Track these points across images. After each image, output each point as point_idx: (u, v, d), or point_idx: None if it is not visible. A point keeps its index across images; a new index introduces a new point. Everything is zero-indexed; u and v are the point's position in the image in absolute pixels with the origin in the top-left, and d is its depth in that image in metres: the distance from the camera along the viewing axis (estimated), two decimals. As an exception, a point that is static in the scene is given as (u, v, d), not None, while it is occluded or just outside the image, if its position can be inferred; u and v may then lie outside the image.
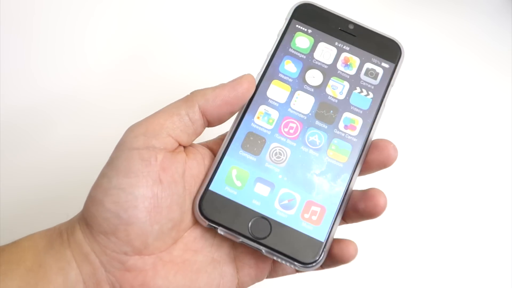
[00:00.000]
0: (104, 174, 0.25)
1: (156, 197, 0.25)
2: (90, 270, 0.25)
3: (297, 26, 0.31)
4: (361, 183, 0.38)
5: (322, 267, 0.28)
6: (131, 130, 0.26)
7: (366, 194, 0.28)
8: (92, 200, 0.25)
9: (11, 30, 0.43)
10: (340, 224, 0.28)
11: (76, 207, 0.28)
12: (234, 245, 0.28)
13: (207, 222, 0.27)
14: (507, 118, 0.43)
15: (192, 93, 0.28)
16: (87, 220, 0.25)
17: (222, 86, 0.28)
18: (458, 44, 0.45)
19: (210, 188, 0.27)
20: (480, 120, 0.43)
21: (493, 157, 0.42)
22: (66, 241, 0.25)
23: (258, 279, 0.28)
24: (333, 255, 0.27)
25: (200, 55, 0.44)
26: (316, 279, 0.37)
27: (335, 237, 0.28)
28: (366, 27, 0.31)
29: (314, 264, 0.26)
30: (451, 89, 0.44)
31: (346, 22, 0.31)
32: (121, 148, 0.26)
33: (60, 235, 0.26)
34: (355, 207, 0.28)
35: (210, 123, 0.28)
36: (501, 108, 0.44)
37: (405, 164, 0.41)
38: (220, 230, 0.27)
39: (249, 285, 0.28)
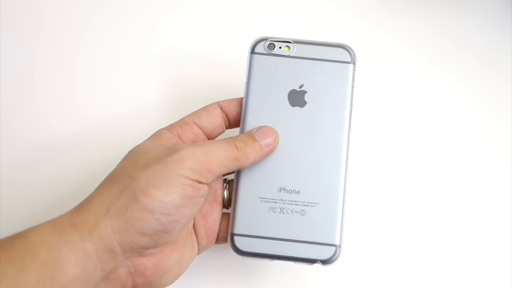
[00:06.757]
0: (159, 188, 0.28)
1: (192, 217, 0.30)
2: (110, 258, 0.28)
3: None
4: (362, 178, 0.42)
5: None
6: (187, 161, 0.29)
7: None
8: (142, 206, 0.27)
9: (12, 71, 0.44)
10: None
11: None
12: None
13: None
14: (507, 119, 0.44)
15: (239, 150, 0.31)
16: (131, 221, 0.27)
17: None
18: (457, 46, 0.45)
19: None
20: (480, 122, 0.44)
21: (493, 159, 0.43)
22: (87, 236, 0.27)
23: (211, 243, 0.34)
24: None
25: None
26: (319, 278, 0.41)
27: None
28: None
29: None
30: (450, 90, 0.44)
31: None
32: (178, 172, 0.29)
33: (77, 229, 0.27)
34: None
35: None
36: (501, 109, 0.44)
37: (405, 164, 0.43)
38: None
39: (205, 249, 0.34)
